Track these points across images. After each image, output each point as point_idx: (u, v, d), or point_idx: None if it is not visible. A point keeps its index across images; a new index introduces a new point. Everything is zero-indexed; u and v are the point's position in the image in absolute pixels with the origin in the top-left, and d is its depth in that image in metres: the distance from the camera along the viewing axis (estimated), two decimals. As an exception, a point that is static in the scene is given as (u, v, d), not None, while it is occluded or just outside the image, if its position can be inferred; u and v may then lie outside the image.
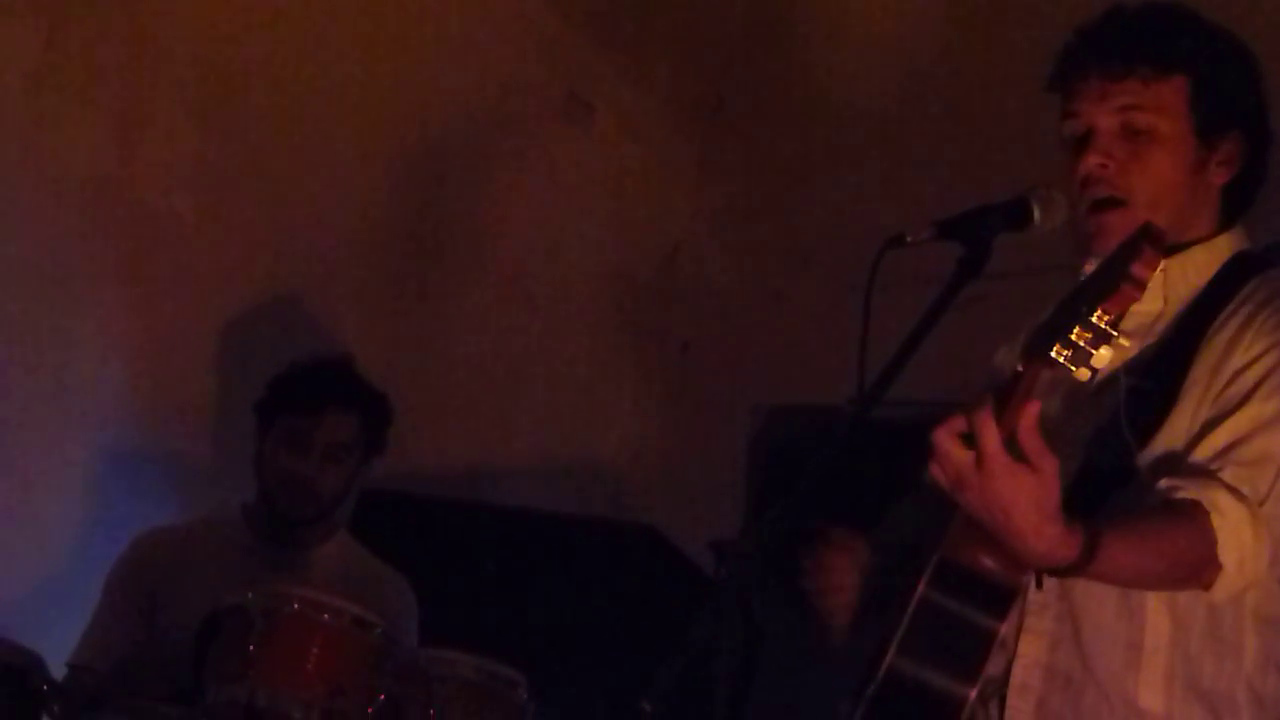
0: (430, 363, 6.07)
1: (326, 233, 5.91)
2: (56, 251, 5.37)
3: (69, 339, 5.39)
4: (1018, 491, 2.48)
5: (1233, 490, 2.70)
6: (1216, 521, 2.69)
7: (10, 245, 5.25)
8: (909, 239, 2.84)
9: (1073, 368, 2.41)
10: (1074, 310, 2.41)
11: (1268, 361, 2.80)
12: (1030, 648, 2.87)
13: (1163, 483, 2.74)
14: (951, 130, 5.91)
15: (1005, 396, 2.51)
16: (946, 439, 2.52)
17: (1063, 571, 2.62)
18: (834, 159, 6.20)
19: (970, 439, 2.50)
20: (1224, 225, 3.00)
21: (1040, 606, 2.87)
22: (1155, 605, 2.82)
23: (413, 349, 6.01)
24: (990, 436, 2.47)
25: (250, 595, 3.94)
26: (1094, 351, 2.40)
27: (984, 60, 5.81)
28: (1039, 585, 2.81)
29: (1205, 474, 2.73)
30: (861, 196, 5.97)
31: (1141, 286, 2.40)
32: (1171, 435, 2.82)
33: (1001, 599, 2.69)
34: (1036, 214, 2.84)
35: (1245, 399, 2.78)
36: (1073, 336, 2.40)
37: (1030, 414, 2.46)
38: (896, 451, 2.78)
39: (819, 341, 5.61)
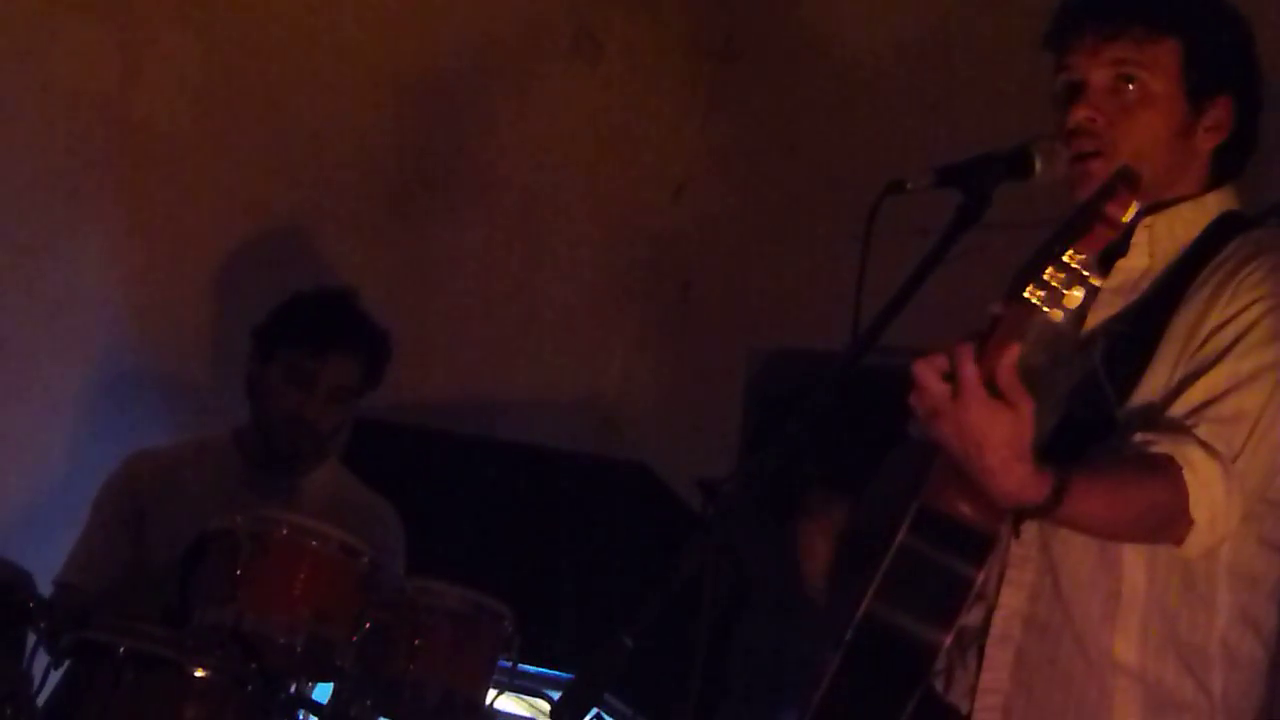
0: (429, 294, 6.07)
1: (330, 160, 5.89)
2: (58, 170, 5.35)
3: (68, 258, 5.38)
4: (992, 426, 2.51)
5: (1206, 446, 2.73)
6: (1189, 477, 2.72)
7: (11, 163, 5.23)
8: (909, 185, 2.85)
9: (1046, 308, 2.43)
10: (1048, 251, 2.42)
11: (1246, 318, 2.83)
12: (1011, 598, 2.90)
13: (1137, 436, 2.77)
14: (961, 77, 5.90)
15: (985, 339, 2.52)
16: (926, 371, 2.56)
17: (1030, 513, 2.66)
18: (841, 103, 6.19)
19: (950, 376, 2.53)
20: (1212, 187, 3.03)
21: (1022, 559, 2.89)
22: (1132, 558, 2.85)
23: (412, 280, 6.00)
24: (969, 370, 2.50)
25: (239, 519, 3.94)
26: (1066, 292, 2.42)
27: (1000, 8, 5.79)
28: (1017, 534, 2.83)
29: (1180, 429, 2.76)
30: (867, 141, 5.96)
31: (1114, 226, 2.42)
32: (1149, 388, 2.85)
33: (979, 547, 2.70)
34: (1038, 164, 2.84)
35: (1222, 356, 2.82)
36: (1045, 276, 2.42)
37: (1010, 355, 2.47)
38: (890, 398, 2.78)
39: (820, 286, 5.61)
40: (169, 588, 4.14)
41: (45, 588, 4.34)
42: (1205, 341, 2.84)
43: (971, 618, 2.87)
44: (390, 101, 6.01)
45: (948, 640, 2.72)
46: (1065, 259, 2.40)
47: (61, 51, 5.34)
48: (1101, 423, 2.82)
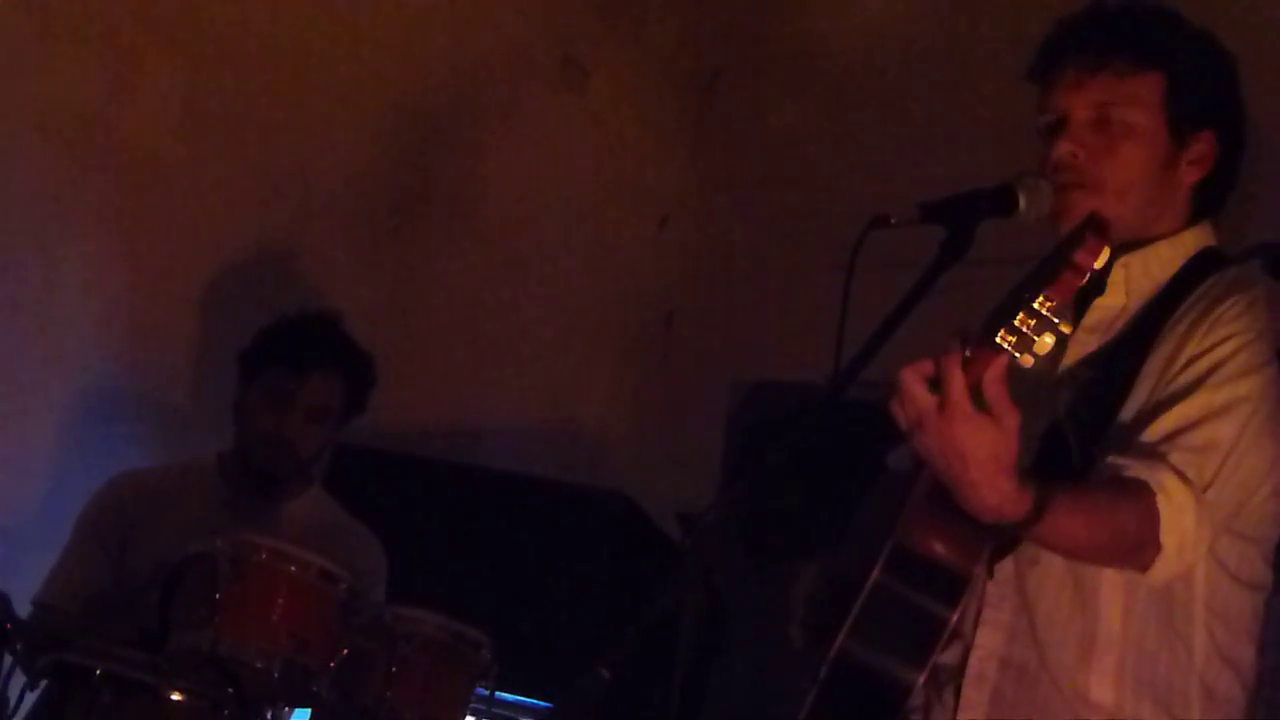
0: (413, 320, 6.07)
1: (316, 184, 5.89)
2: (45, 190, 5.34)
3: (54, 278, 5.37)
4: (977, 440, 2.49)
5: (1179, 473, 2.73)
6: (1162, 503, 2.72)
7: (-1, 179, 5.23)
8: (893, 220, 2.85)
9: (1017, 354, 2.43)
10: (1018, 297, 2.43)
11: (1221, 352, 2.84)
12: (987, 639, 2.90)
13: (1111, 459, 2.77)
14: (948, 112, 5.90)
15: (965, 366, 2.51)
16: (912, 379, 2.53)
17: (1010, 528, 2.63)
18: (827, 136, 6.20)
19: (936, 384, 2.50)
20: (1191, 223, 3.03)
21: (998, 598, 2.89)
22: (1109, 598, 2.86)
23: (396, 305, 6.00)
24: (956, 381, 2.47)
25: (218, 543, 3.93)
26: (1036, 338, 2.42)
27: (984, 42, 5.81)
28: (991, 574, 2.83)
29: (1153, 455, 2.76)
30: (853, 175, 5.97)
31: (1082, 273, 2.43)
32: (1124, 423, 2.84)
33: (953, 586, 2.71)
34: (1022, 201, 2.85)
35: (1196, 386, 2.82)
36: (1016, 322, 2.42)
37: (998, 365, 2.46)
38: (871, 432, 2.79)
39: (804, 319, 5.59)
40: (150, 611, 4.13)
41: (24, 607, 4.33)
42: (1180, 372, 2.85)
43: (949, 656, 2.87)
44: (377, 127, 6.02)
45: (921, 679, 2.72)
46: (1036, 305, 2.41)
47: (50, 73, 5.33)
48: (1069, 469, 2.82)
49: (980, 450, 2.49)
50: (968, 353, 2.47)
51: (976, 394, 2.48)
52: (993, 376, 2.46)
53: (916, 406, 2.52)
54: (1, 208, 5.22)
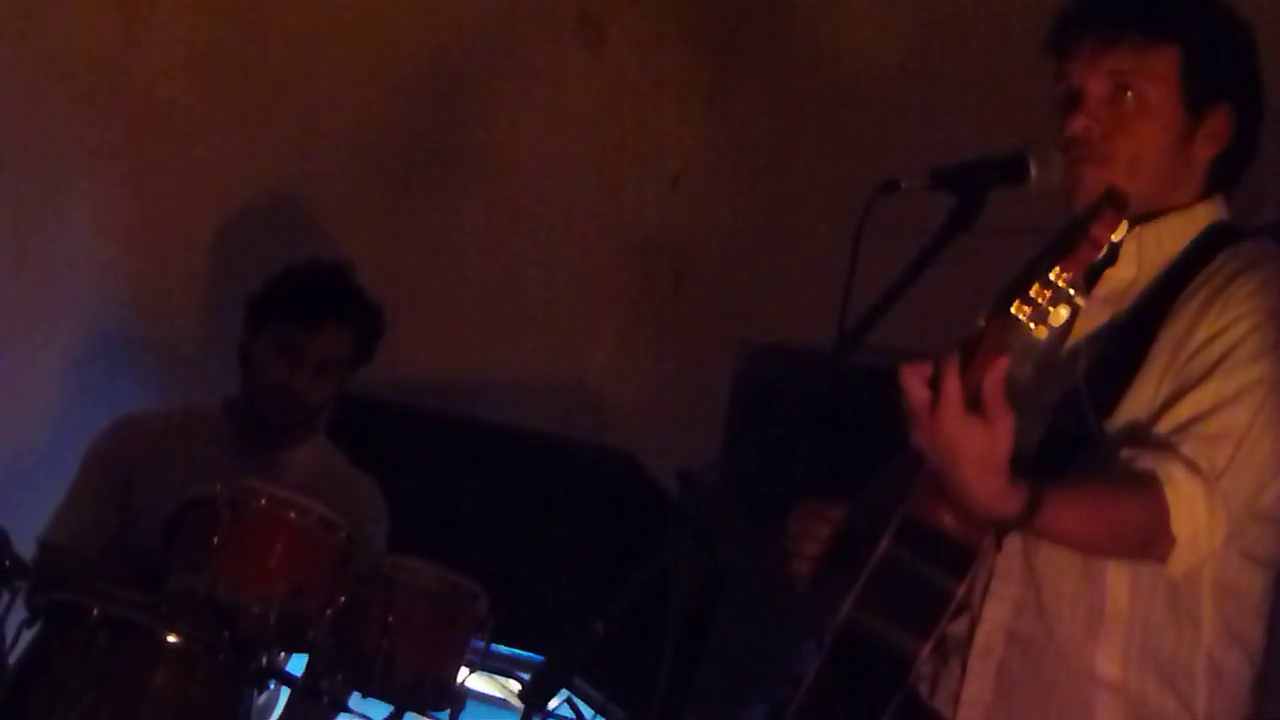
0: (422, 272, 6.06)
1: (328, 133, 5.88)
2: (57, 131, 5.34)
3: (64, 218, 5.37)
4: (966, 440, 2.52)
5: (1189, 463, 2.73)
6: (1170, 494, 2.72)
7: (11, 121, 5.22)
8: (903, 185, 2.84)
9: (1032, 325, 2.44)
10: (1034, 268, 2.44)
11: (1233, 335, 2.83)
12: (994, 612, 2.90)
13: (1123, 452, 2.77)
14: (962, 82, 5.89)
15: (971, 350, 2.52)
16: (912, 377, 2.56)
17: (1005, 525, 2.67)
18: (842, 101, 6.18)
19: (933, 385, 2.53)
20: (1205, 196, 3.02)
21: (1006, 572, 2.89)
22: (1116, 575, 2.85)
23: (406, 257, 5.99)
24: (950, 384, 2.51)
25: (219, 487, 3.94)
26: (1051, 309, 2.44)
27: (1002, 10, 5.78)
28: (999, 547, 2.84)
29: (1164, 446, 2.76)
30: (866, 141, 5.96)
31: (1098, 247, 2.44)
32: (1135, 402, 2.85)
33: (960, 560, 2.71)
34: (1033, 170, 2.84)
35: (1209, 373, 2.81)
36: (1032, 293, 2.44)
37: (998, 367, 2.47)
38: (875, 398, 2.79)
39: (812, 282, 5.59)
40: (152, 553, 4.14)
41: (27, 545, 4.34)
42: (1192, 357, 2.84)
43: (957, 626, 2.87)
44: (390, 79, 6.00)
45: (926, 650, 2.72)
46: (1051, 277, 2.42)
47: (63, 13, 5.32)
48: (1085, 438, 2.82)
49: (970, 450, 2.52)
50: (982, 322, 2.48)
51: (974, 398, 2.50)
52: (993, 380, 2.48)
53: (913, 404, 2.56)
54: (11, 152, 5.22)
